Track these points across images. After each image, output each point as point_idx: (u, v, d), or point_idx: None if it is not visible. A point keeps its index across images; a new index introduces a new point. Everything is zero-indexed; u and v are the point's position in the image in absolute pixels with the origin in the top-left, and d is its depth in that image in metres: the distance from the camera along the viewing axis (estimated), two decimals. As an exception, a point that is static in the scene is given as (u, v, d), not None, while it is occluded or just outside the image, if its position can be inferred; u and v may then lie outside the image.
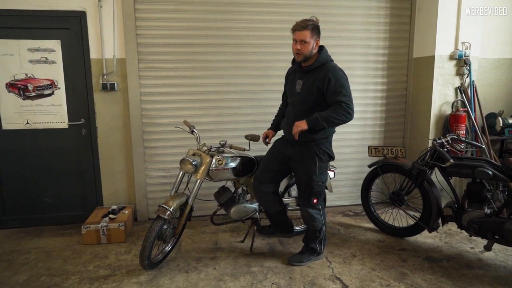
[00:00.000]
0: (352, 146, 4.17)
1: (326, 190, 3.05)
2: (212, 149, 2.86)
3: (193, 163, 2.67)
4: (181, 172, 2.82)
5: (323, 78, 2.50)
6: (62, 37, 3.49)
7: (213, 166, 2.78)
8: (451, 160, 2.81)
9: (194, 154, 2.80)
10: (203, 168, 2.75)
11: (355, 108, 4.02)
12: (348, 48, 3.98)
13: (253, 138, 2.94)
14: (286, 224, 3.00)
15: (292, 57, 2.69)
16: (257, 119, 3.88)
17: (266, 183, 2.82)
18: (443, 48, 3.78)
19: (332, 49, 3.87)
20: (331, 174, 3.15)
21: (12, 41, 3.41)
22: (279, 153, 2.80)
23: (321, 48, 2.63)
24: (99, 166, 3.73)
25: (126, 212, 3.54)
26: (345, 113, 2.46)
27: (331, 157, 2.73)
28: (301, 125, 2.47)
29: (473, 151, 3.86)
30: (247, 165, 2.93)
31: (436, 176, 3.11)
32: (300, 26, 2.49)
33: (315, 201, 2.69)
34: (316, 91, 2.54)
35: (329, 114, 2.46)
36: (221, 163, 2.80)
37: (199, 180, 2.76)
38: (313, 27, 2.50)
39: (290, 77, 2.79)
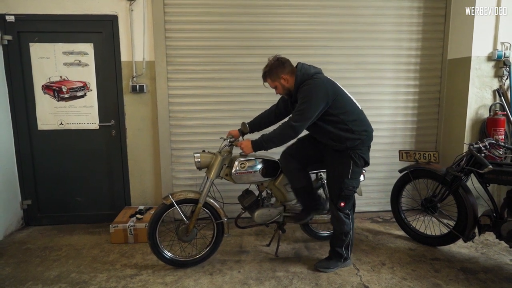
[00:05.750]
0: (381, 150, 4.04)
1: (355, 194, 2.96)
2: (227, 145, 2.84)
3: (196, 160, 2.73)
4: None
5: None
6: (94, 41, 3.60)
7: (236, 169, 2.76)
8: (490, 166, 2.65)
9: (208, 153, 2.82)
10: (214, 167, 2.74)
11: (384, 112, 4.03)
12: (378, 49, 3.88)
13: None
14: (313, 200, 2.89)
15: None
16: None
17: (292, 156, 2.79)
18: (480, 48, 3.61)
19: (361, 51, 3.86)
20: (361, 176, 3.05)
21: (48, 44, 3.55)
22: (319, 142, 2.76)
23: (299, 69, 2.56)
24: (128, 166, 3.81)
25: (153, 212, 3.58)
26: (286, 129, 2.49)
27: (366, 163, 2.66)
28: (245, 149, 2.63)
29: (513, 157, 3.65)
30: (270, 168, 2.89)
31: (472, 183, 2.95)
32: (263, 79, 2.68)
33: (342, 204, 2.63)
34: None
35: (275, 132, 2.53)
36: (244, 166, 2.78)
37: (209, 179, 2.76)
38: (269, 73, 2.61)
39: None
